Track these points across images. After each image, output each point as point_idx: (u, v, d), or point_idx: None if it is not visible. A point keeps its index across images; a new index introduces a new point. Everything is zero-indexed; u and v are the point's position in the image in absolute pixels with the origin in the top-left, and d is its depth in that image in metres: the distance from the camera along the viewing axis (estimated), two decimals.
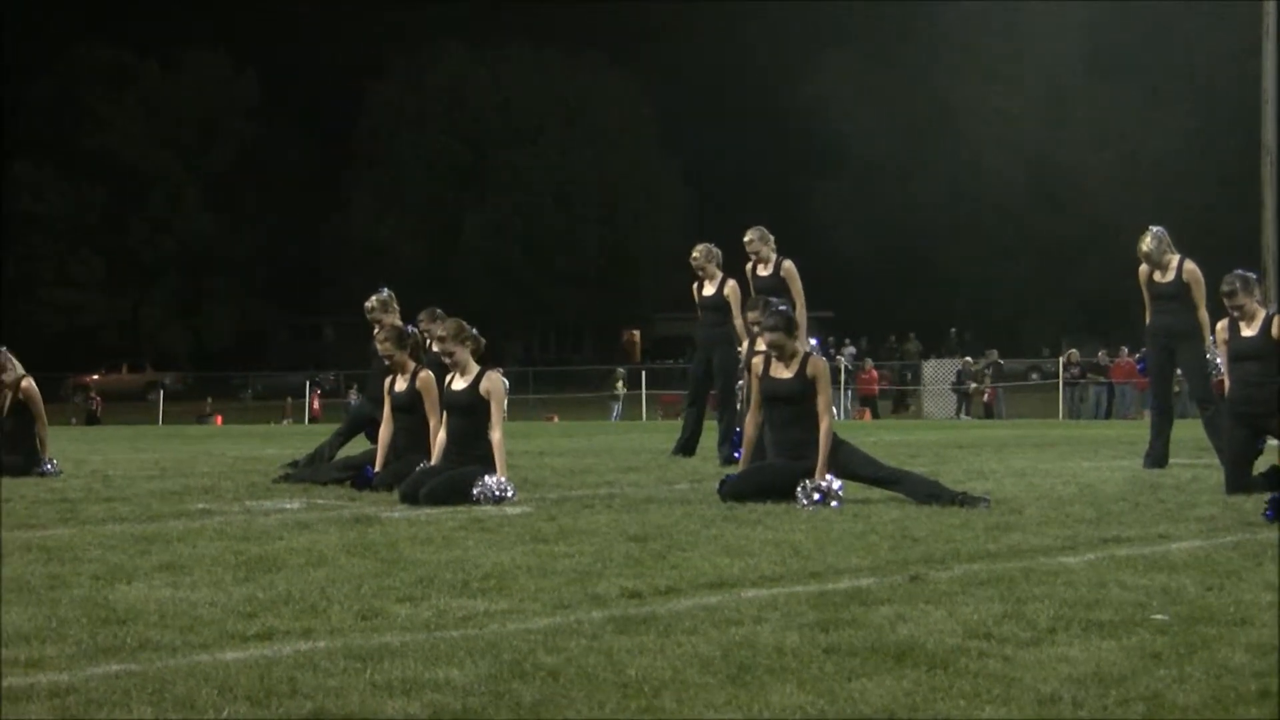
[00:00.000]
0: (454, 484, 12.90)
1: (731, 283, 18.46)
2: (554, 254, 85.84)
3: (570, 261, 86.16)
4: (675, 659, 6.06)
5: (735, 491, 12.53)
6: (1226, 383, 14.07)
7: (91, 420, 62.56)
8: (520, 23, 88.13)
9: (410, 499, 12.83)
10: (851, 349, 62.72)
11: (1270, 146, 44.52)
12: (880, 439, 25.82)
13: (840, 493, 12.16)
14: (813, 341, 16.48)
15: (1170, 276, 16.40)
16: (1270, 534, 10.19)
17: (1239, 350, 13.70)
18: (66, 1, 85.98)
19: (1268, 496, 11.33)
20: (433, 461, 13.53)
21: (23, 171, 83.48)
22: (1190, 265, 16.41)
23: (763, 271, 18.04)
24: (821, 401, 12.69)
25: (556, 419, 56.40)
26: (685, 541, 9.82)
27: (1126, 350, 51.48)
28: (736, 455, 15.13)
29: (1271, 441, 14.01)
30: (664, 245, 77.99)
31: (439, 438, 13.65)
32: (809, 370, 12.77)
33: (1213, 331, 15.08)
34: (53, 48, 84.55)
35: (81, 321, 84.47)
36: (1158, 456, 16.80)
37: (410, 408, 14.66)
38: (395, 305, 16.69)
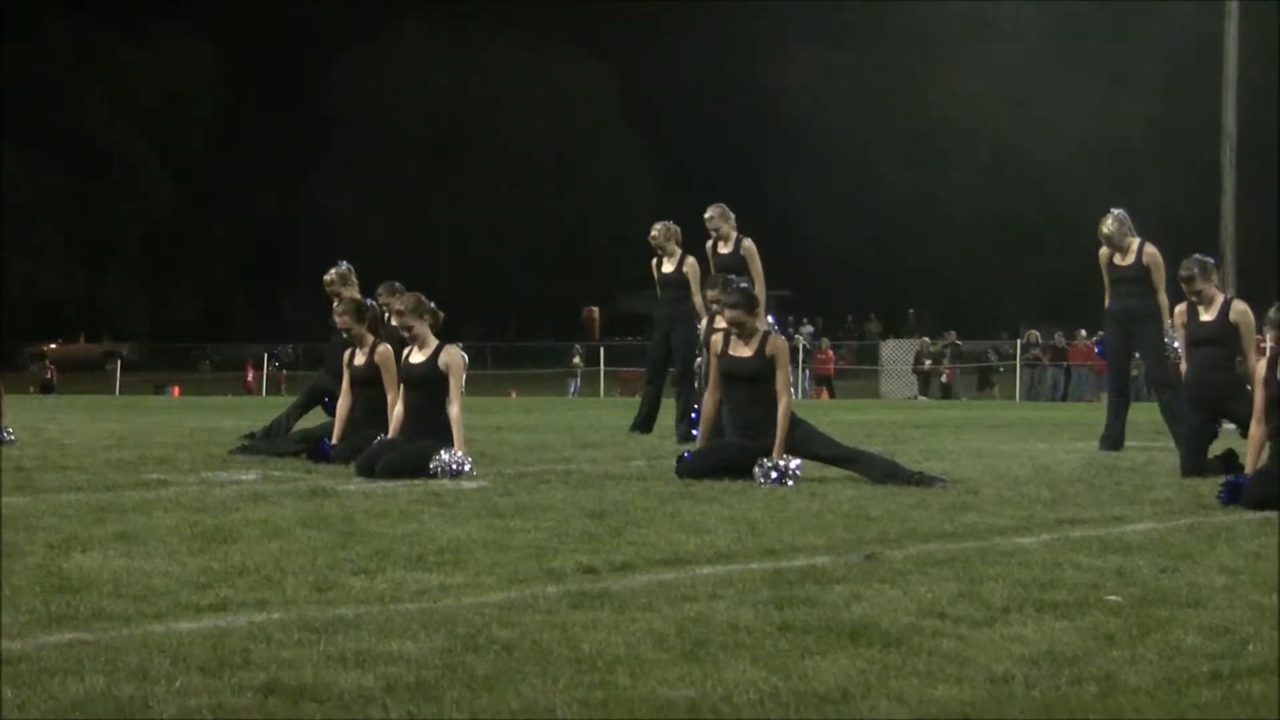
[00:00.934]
0: (411, 458, 12.88)
1: (691, 260, 18.44)
2: (515, 230, 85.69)
3: (531, 238, 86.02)
4: (629, 635, 6.07)
5: (693, 469, 12.53)
6: (1184, 367, 14.13)
7: (47, 389, 62.29)
8: (484, 1, 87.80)
9: (367, 472, 12.80)
10: (809, 328, 62.81)
11: (1230, 132, 44.68)
12: (838, 419, 25.86)
13: (798, 472, 12.17)
14: (769, 319, 16.46)
15: (1130, 259, 16.43)
16: (1225, 517, 10.26)
17: (1197, 335, 13.77)
18: None
19: (1223, 480, 11.39)
20: (390, 435, 13.50)
21: None
22: (1151, 249, 16.44)
23: (723, 249, 18.03)
24: (780, 380, 12.69)
25: (515, 395, 56.34)
26: (642, 518, 9.83)
27: (1084, 333, 51.66)
28: (695, 433, 15.14)
29: (1228, 425, 14.08)
30: (626, 223, 77.86)
31: (397, 411, 13.62)
32: (768, 349, 12.77)
33: (1171, 315, 15.14)
34: (16, 23, 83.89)
35: (41, 293, 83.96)
36: (1114, 439, 16.84)
37: (368, 381, 14.63)
38: (354, 279, 16.61)
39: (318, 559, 7.93)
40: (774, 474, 12.12)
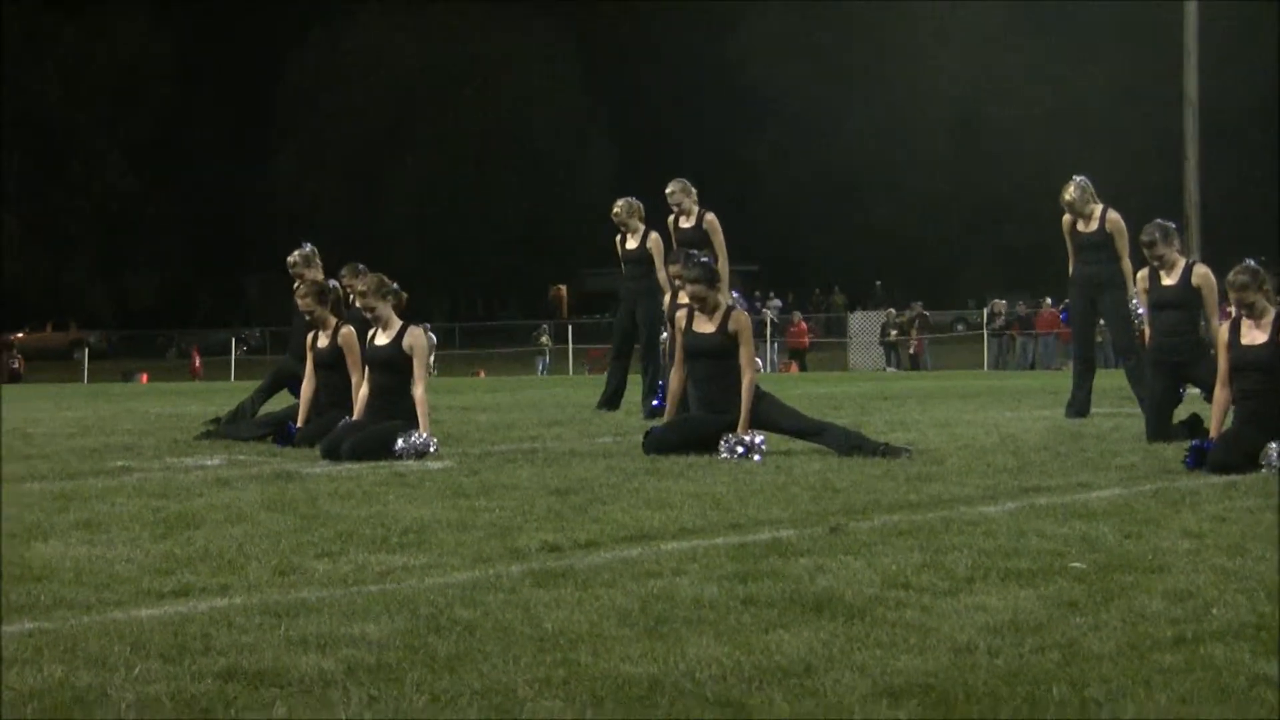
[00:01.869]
0: (376, 439, 12.85)
1: (654, 236, 18.41)
2: (479, 210, 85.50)
3: (496, 217, 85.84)
4: (593, 612, 6.06)
5: (659, 444, 12.54)
6: (1147, 332, 14.16)
7: (14, 378, 62.05)
8: None
9: (332, 454, 12.76)
10: (778, 302, 62.87)
11: (1192, 98, 44.84)
12: (806, 391, 25.90)
13: (763, 447, 12.16)
14: (734, 294, 16.45)
15: (1094, 226, 16.43)
16: (1189, 482, 10.30)
17: (1159, 299, 13.80)
18: None
19: (1188, 444, 11.43)
20: (355, 417, 13.46)
21: None
22: (1113, 215, 16.44)
23: (685, 224, 17.99)
24: (744, 355, 12.69)
25: (483, 374, 56.33)
26: (607, 495, 9.82)
27: (1049, 301, 51.79)
28: (661, 406, 15.12)
29: (1192, 390, 14.12)
30: (590, 200, 77.75)
31: (361, 393, 13.58)
32: (731, 325, 12.77)
33: (1134, 281, 15.17)
34: None
35: (6, 281, 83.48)
36: (1080, 406, 16.88)
37: (332, 363, 14.58)
38: (318, 260, 16.53)
39: (281, 543, 7.91)
40: (739, 448, 12.12)
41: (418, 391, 13.18)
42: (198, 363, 63.50)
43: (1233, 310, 11.53)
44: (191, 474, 11.84)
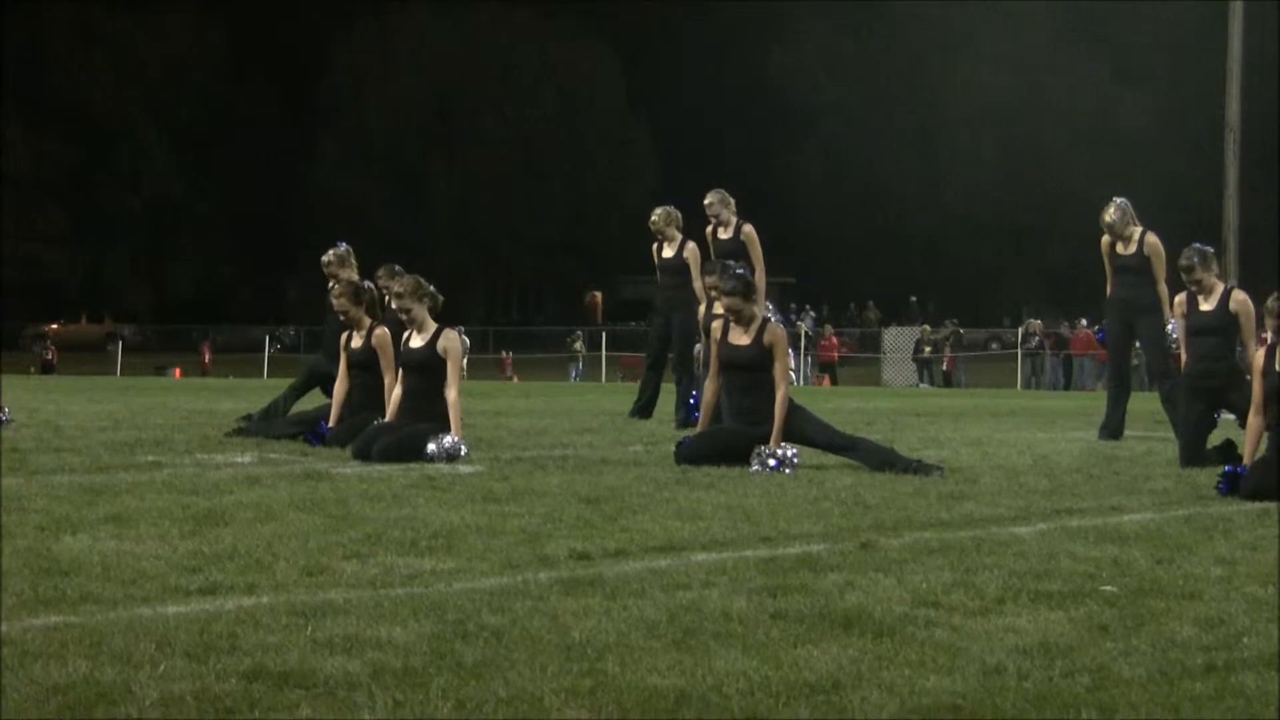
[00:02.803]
0: (407, 442, 12.85)
1: (691, 245, 18.39)
2: (519, 214, 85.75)
3: (535, 222, 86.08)
4: (620, 622, 6.04)
5: (691, 455, 12.52)
6: (1184, 356, 14.11)
7: (47, 370, 62.30)
8: None
9: (363, 455, 12.77)
10: (812, 315, 62.85)
11: (1234, 123, 44.69)
12: (839, 406, 25.85)
13: (795, 459, 12.15)
14: (769, 306, 16.44)
15: (1132, 249, 16.38)
16: (1222, 508, 10.25)
17: (1196, 324, 13.75)
18: None
19: (1221, 470, 11.37)
20: (387, 418, 13.46)
21: None
22: (1152, 238, 16.40)
23: (723, 235, 17.99)
24: (778, 369, 12.67)
25: (516, 379, 56.37)
26: (637, 504, 9.80)
27: (1085, 322, 51.68)
28: (694, 417, 15.10)
29: (1226, 415, 14.06)
30: (629, 208, 77.87)
31: (394, 395, 13.59)
32: (766, 338, 12.74)
33: (1171, 305, 15.12)
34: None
35: (43, 275, 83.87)
36: (1114, 428, 16.84)
37: (366, 364, 14.59)
38: (353, 261, 16.57)
39: (309, 543, 7.91)
40: (772, 461, 12.10)
41: (451, 395, 13.18)
42: (207, 358, 63.63)
43: (1269, 336, 11.47)
44: (222, 471, 11.86)
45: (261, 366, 60.41)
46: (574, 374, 60.17)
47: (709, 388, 13.27)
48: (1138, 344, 17.36)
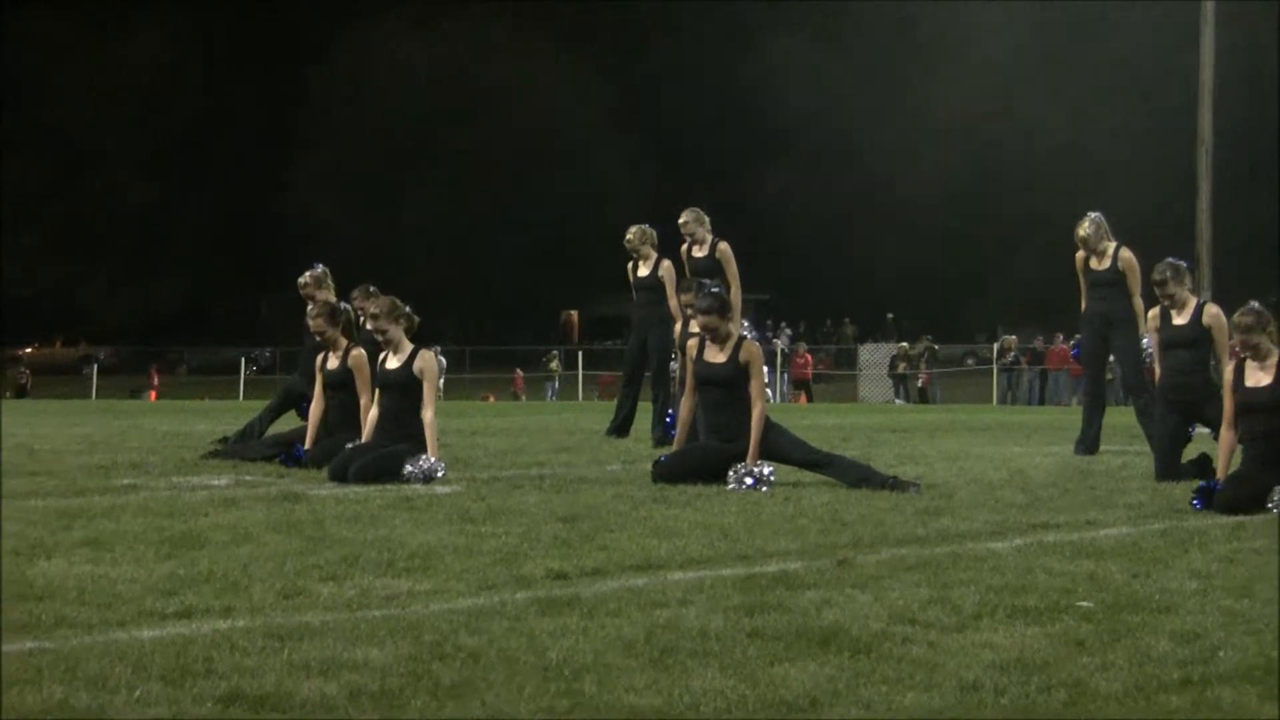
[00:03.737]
0: (384, 462, 12.85)
1: (666, 263, 18.43)
2: (494, 233, 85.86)
3: (509, 240, 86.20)
4: (598, 641, 6.06)
5: (667, 473, 12.53)
6: (1158, 371, 14.17)
7: (21, 394, 62.07)
8: (464, 2, 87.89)
9: (339, 476, 12.77)
10: (788, 331, 62.91)
11: (1206, 138, 44.99)
12: (815, 422, 25.87)
13: (771, 478, 12.17)
14: (745, 324, 16.45)
15: (1107, 264, 16.46)
16: (1198, 521, 10.31)
17: (1170, 338, 13.82)
18: None
19: (1196, 484, 11.42)
20: (364, 439, 13.46)
21: None
22: (1126, 253, 16.47)
23: (698, 253, 18.02)
24: (754, 386, 12.71)
25: (492, 398, 56.32)
26: (614, 522, 9.82)
27: (1061, 337, 51.81)
28: (671, 434, 15.10)
29: (1201, 429, 14.10)
30: (605, 226, 77.92)
31: (370, 416, 13.59)
32: (742, 355, 12.77)
33: (1146, 320, 15.18)
34: None
35: (18, 294, 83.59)
36: (1089, 443, 16.88)
37: (342, 385, 14.58)
38: (330, 281, 16.59)
39: (286, 565, 7.91)
40: (748, 479, 12.12)
41: (427, 415, 13.19)
42: (155, 381, 63.49)
43: (1239, 350, 11.54)
44: (198, 493, 11.86)
45: (237, 388, 60.29)
46: (551, 393, 60.16)
47: (685, 405, 13.27)
48: (1112, 358, 17.42)
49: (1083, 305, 16.86)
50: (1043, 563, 8.16)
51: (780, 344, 57.03)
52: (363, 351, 14.52)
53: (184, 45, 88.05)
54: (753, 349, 12.90)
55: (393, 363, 13.44)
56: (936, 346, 58.25)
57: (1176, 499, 11.57)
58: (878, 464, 13.38)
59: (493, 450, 17.53)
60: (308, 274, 16.66)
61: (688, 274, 17.66)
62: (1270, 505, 10.77)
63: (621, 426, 19.36)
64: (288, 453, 14.61)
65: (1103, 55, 77.28)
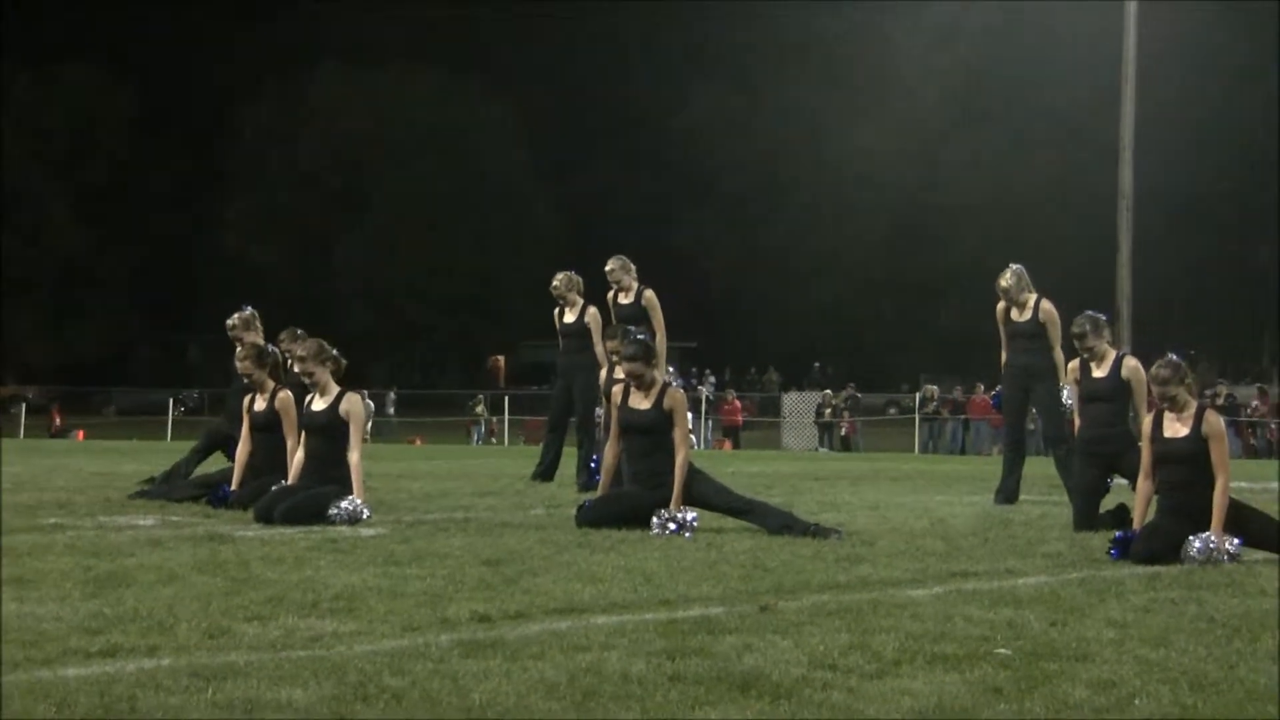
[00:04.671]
0: (310, 504, 12.87)
1: (592, 310, 18.52)
2: (423, 278, 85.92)
3: (439, 286, 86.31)
4: (520, 684, 6.09)
5: (592, 518, 12.57)
6: (1077, 422, 14.30)
7: None
8: (395, 49, 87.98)
9: (265, 518, 12.78)
10: (713, 379, 63.06)
11: (1126, 192, 45.52)
12: (739, 470, 25.94)
13: (694, 523, 12.23)
14: (670, 370, 16.54)
15: (1028, 315, 16.60)
16: (1115, 571, 10.36)
17: (1090, 391, 13.95)
18: None
19: (1113, 534, 11.51)
20: (290, 481, 13.47)
21: None
22: (1047, 305, 16.62)
23: (624, 300, 18.12)
24: (678, 433, 12.77)
25: (419, 441, 56.19)
26: (538, 566, 9.85)
27: (982, 387, 52.19)
28: (595, 480, 15.16)
29: (1120, 480, 14.23)
30: (531, 272, 78.10)
31: (297, 458, 13.61)
32: (666, 402, 12.84)
33: (1065, 372, 15.33)
34: None
35: None
36: (1009, 492, 16.96)
37: (268, 427, 14.60)
38: (258, 324, 16.60)
39: (211, 605, 7.92)
40: (671, 525, 12.18)
41: (353, 457, 13.22)
42: (58, 421, 63.12)
43: (1157, 402, 11.66)
44: (124, 533, 11.82)
45: (165, 429, 59.94)
46: (476, 437, 60.07)
47: (610, 451, 13.33)
48: (1033, 409, 17.55)
49: (1003, 356, 16.99)
50: (962, 610, 8.21)
51: (705, 391, 57.15)
52: (289, 394, 14.54)
53: (116, 82, 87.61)
54: (677, 396, 12.97)
55: (318, 405, 13.47)
56: (859, 395, 58.52)
57: (1094, 549, 11.62)
58: (800, 511, 13.42)
59: (418, 493, 17.52)
60: (236, 316, 16.67)
61: (614, 321, 17.75)
62: (1184, 558, 10.89)
63: (547, 471, 19.41)
64: (214, 493, 14.63)
65: (1026, 111, 78.14)
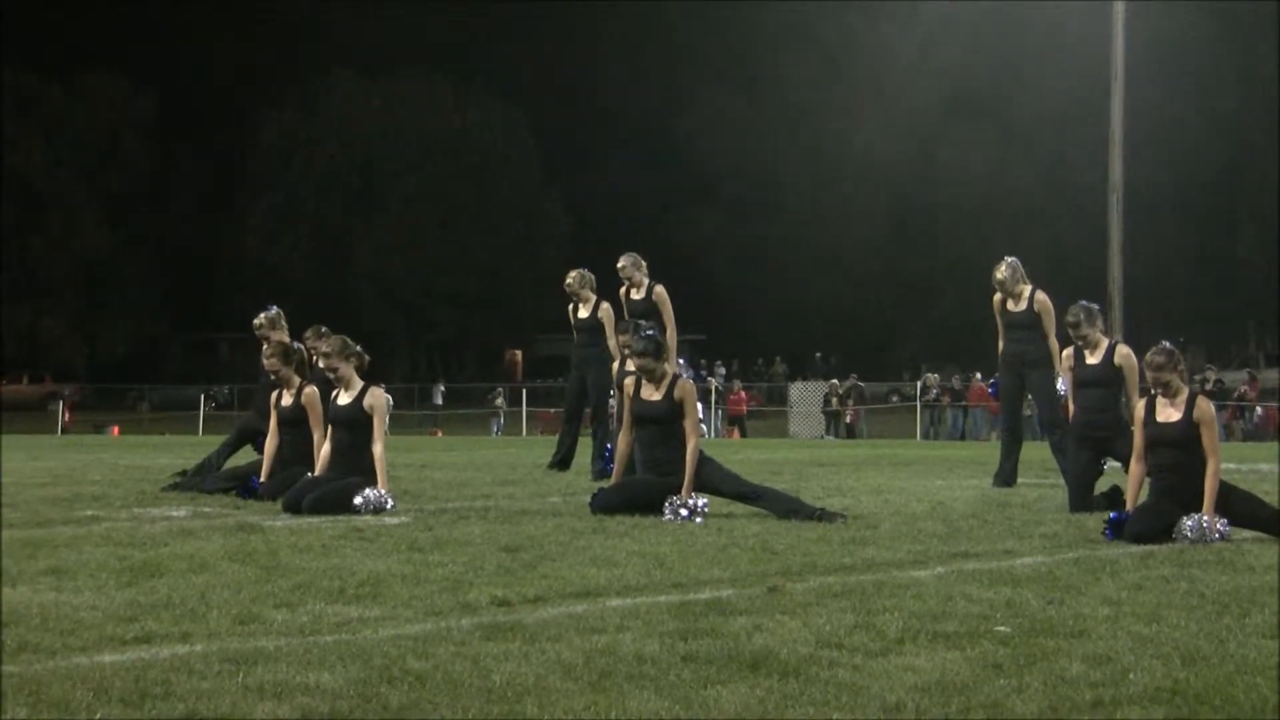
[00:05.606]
0: (336, 494, 13.06)
1: (605, 305, 18.71)
2: (440, 276, 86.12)
3: (456, 283, 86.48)
4: (539, 665, 6.22)
5: (606, 505, 12.75)
6: (1071, 408, 14.47)
7: None
8: (411, 54, 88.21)
9: (293, 508, 12.98)
10: (722, 370, 63.21)
11: (1116, 184, 45.67)
12: (747, 457, 25.97)
13: (705, 509, 12.39)
14: (681, 361, 16.74)
15: (1023, 306, 16.71)
16: (1109, 551, 10.48)
17: (1083, 377, 14.11)
18: None
19: (1107, 516, 11.65)
20: (317, 473, 13.69)
21: None
22: (1041, 296, 16.73)
23: (635, 295, 18.28)
24: (689, 422, 12.94)
25: (440, 433, 56.38)
26: (555, 552, 9.96)
27: (979, 376, 52.38)
28: (609, 469, 15.36)
29: (1113, 463, 14.39)
30: (545, 269, 78.40)
31: (323, 450, 13.80)
32: (676, 393, 13.02)
33: (1060, 359, 15.52)
34: None
35: None
36: (1006, 476, 17.10)
37: (295, 421, 14.83)
38: (283, 323, 16.79)
39: (241, 592, 8.04)
40: (683, 511, 12.33)
41: (377, 449, 13.41)
42: (67, 417, 63.22)
43: (1149, 388, 11.83)
44: (157, 524, 11.97)
45: (197, 424, 60.05)
46: (495, 429, 60.27)
47: (623, 441, 13.47)
48: (1029, 396, 17.72)
49: (1000, 346, 17.10)
50: (962, 590, 8.29)
51: (715, 382, 57.26)
52: (315, 389, 14.77)
53: (138, 93, 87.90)
54: (687, 387, 13.15)
55: (343, 399, 13.67)
56: (863, 384, 58.71)
57: (1089, 530, 11.72)
58: (806, 496, 13.55)
59: (440, 483, 17.65)
60: (262, 315, 16.89)
61: (626, 316, 17.89)
62: (1176, 536, 11.03)
63: (563, 461, 19.63)
64: (244, 485, 14.87)
65: (1019, 106, 78.27)
